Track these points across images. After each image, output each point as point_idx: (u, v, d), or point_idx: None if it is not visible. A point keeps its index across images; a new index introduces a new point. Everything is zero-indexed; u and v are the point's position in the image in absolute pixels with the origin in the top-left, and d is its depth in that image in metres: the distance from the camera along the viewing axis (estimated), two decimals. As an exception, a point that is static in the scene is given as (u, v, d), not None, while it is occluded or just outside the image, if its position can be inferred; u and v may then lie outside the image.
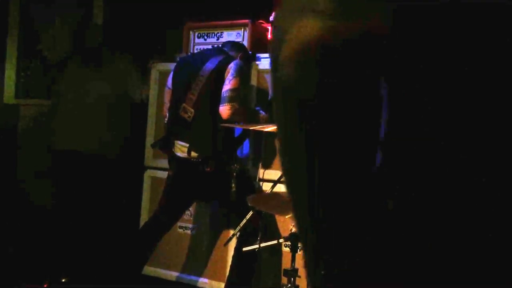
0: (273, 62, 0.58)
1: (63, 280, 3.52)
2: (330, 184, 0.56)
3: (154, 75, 3.96)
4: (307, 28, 0.52)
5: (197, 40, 3.97)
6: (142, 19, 4.76)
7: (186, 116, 3.11)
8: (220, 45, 3.46)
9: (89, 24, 4.96)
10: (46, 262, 3.87)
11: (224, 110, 2.96)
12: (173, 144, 3.21)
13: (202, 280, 3.70)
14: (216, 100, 3.00)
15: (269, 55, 0.63)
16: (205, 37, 3.94)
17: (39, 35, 5.27)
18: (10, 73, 5.29)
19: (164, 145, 3.26)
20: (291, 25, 0.54)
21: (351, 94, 0.52)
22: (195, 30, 3.98)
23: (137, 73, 4.26)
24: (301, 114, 0.54)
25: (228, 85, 3.00)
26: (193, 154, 3.11)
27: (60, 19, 5.21)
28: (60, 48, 5.20)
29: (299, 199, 0.60)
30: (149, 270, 3.76)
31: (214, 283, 3.64)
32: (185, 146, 3.14)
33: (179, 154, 3.17)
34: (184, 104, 3.12)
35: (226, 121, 2.98)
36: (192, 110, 3.09)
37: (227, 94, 2.97)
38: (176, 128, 3.19)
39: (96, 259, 3.75)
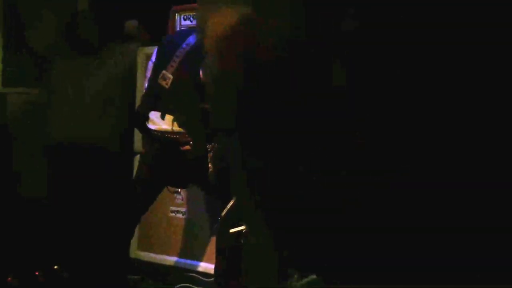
0: (202, 49, 0.59)
1: (55, 268, 3.53)
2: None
3: (141, 59, 3.93)
4: (224, 17, 0.51)
5: (183, 23, 3.97)
6: (127, 4, 4.73)
7: (164, 83, 2.96)
8: None
9: (76, 10, 4.93)
10: (38, 251, 3.88)
11: None
12: (147, 117, 3.07)
13: (197, 264, 3.70)
14: (198, 68, 2.76)
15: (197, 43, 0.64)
16: (191, 19, 3.93)
17: (25, 23, 5.23)
18: (-4, 62, 5.25)
19: (136, 117, 3.13)
20: (208, 16, 0.54)
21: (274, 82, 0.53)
22: (181, 13, 3.96)
23: (126, 58, 4.23)
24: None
25: None
26: (166, 127, 2.97)
27: (46, 6, 5.17)
28: (47, 36, 5.17)
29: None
30: (142, 255, 3.77)
31: (208, 265, 3.63)
32: (158, 117, 3.00)
33: (151, 126, 3.03)
34: (164, 71, 2.97)
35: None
36: (171, 76, 2.94)
37: None
38: (151, 97, 3.05)
39: (88, 247, 3.75)
